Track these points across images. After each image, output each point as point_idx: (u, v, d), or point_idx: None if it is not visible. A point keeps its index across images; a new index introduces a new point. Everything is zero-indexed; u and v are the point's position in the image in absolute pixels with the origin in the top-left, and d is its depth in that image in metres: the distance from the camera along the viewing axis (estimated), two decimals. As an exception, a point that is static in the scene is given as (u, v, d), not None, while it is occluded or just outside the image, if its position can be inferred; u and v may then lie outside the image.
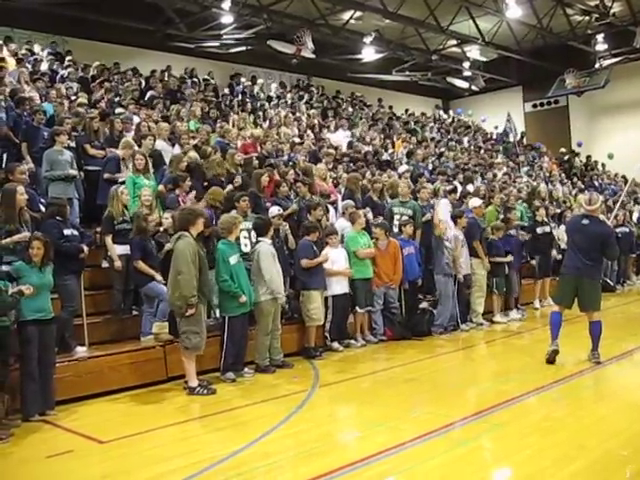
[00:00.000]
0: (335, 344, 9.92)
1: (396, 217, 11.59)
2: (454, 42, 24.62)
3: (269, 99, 20.87)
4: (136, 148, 10.65)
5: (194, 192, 9.97)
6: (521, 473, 5.02)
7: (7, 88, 12.63)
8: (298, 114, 19.27)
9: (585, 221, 8.55)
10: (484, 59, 25.90)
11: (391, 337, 10.59)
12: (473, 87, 27.67)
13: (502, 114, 25.93)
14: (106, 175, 10.33)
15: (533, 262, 13.59)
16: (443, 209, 11.48)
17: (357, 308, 10.29)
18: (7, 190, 7.74)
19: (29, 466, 5.63)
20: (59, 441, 6.22)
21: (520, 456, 5.26)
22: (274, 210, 9.85)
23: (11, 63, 14.65)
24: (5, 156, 11.00)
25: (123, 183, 9.87)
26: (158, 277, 8.52)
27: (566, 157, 25.40)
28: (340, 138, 17.97)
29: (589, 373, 8.08)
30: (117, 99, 15.32)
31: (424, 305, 11.22)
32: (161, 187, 10.12)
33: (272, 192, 11.04)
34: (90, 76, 16.97)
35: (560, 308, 8.73)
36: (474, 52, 25.20)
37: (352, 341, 10.21)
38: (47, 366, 6.94)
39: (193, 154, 11.51)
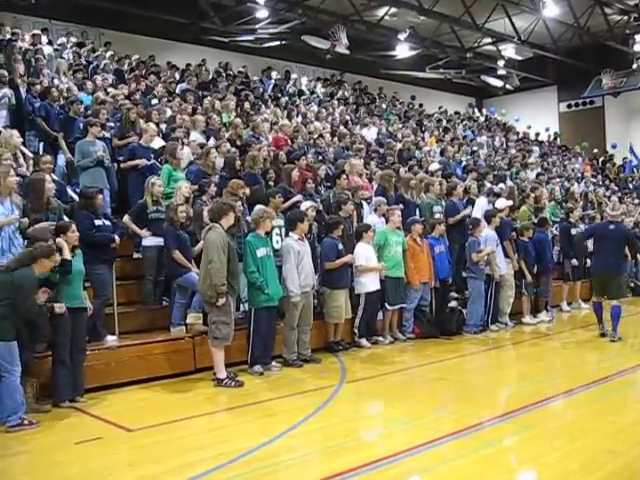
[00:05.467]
0: (363, 340, 9.92)
1: (436, 215, 11.56)
2: (489, 40, 24.44)
3: (301, 93, 20.87)
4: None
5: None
6: (548, 476, 4.97)
7: (45, 79, 12.84)
8: (330, 109, 19.24)
9: (612, 226, 10.24)
10: (519, 58, 25.63)
11: (419, 335, 10.56)
12: (507, 86, 27.46)
13: (536, 114, 25.69)
14: (122, 164, 10.45)
15: (574, 262, 13.40)
16: (479, 209, 11.48)
17: (387, 306, 10.27)
18: (35, 179, 7.84)
19: (58, 451, 5.70)
20: (88, 428, 6.30)
21: (547, 459, 5.20)
22: (307, 204, 9.85)
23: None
24: (42, 146, 11.18)
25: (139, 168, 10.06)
26: (195, 268, 8.55)
27: (600, 159, 25.10)
28: (372, 134, 17.93)
29: (619, 377, 7.98)
30: (152, 91, 15.44)
31: (453, 304, 11.17)
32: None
33: (301, 187, 11.03)
34: (129, 68, 17.14)
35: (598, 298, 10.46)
36: (509, 50, 24.95)
37: (380, 338, 10.20)
38: (78, 354, 7.04)
39: (228, 147, 11.56)
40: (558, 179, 19.19)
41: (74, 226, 7.16)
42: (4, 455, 5.69)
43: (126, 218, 9.09)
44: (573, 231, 13.44)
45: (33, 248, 6.55)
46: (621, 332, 9.95)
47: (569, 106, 29.65)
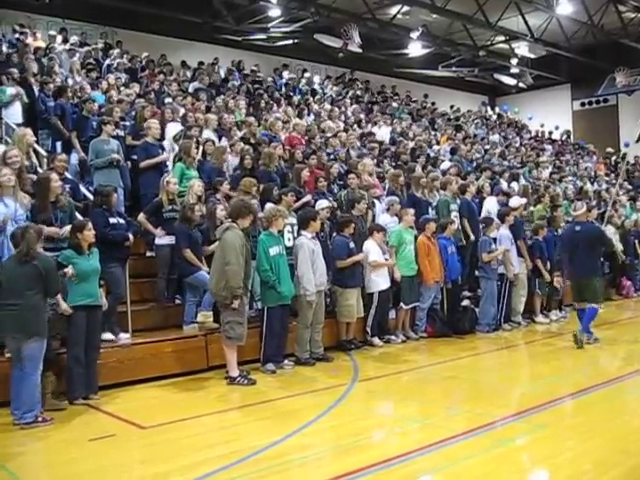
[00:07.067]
0: (375, 339, 9.92)
1: (453, 214, 11.53)
2: (502, 38, 24.30)
3: (313, 92, 20.88)
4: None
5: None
6: (560, 476, 4.94)
7: (57, 78, 12.91)
8: (343, 108, 19.24)
9: (577, 228, 9.92)
10: (532, 56, 25.50)
11: (432, 334, 10.55)
12: (520, 84, 27.29)
13: (549, 112, 25.54)
14: (142, 164, 10.43)
15: None
16: (490, 208, 11.43)
17: (402, 305, 10.26)
18: (41, 178, 7.87)
19: (72, 448, 5.73)
20: (102, 425, 6.33)
21: (560, 458, 5.19)
22: (323, 203, 9.84)
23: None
24: (59, 145, 11.25)
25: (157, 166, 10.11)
26: (205, 267, 8.59)
27: (613, 157, 24.93)
28: (385, 133, 17.92)
29: (632, 377, 7.94)
30: (165, 89, 15.50)
31: (466, 303, 11.15)
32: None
33: (314, 186, 11.02)
34: (140, 67, 17.20)
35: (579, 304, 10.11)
36: (522, 48, 24.82)
37: (392, 337, 10.20)
38: (92, 351, 7.09)
39: (242, 146, 11.59)
40: (571, 178, 19.11)
41: (90, 224, 7.19)
42: (20, 452, 5.74)
43: (141, 216, 9.12)
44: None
45: (26, 232, 6.47)
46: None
47: (583, 104, 29.48)
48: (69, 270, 6.88)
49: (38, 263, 6.29)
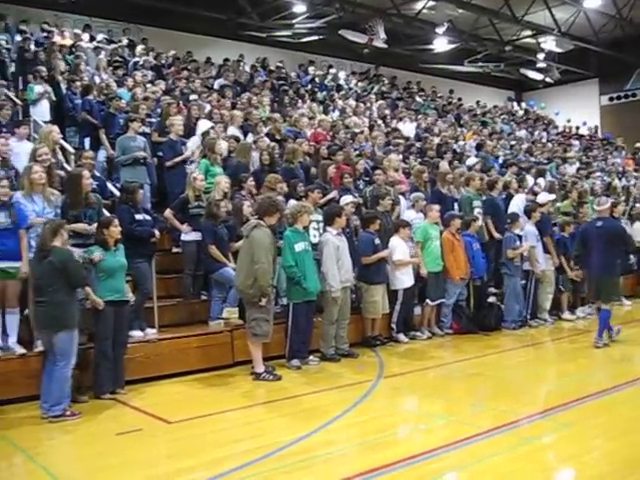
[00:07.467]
0: (401, 336, 9.91)
1: (476, 210, 11.47)
2: (529, 33, 24.08)
3: (339, 88, 20.86)
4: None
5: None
6: (587, 475, 4.90)
7: (84, 75, 13.04)
8: (368, 104, 19.20)
9: (599, 223, 9.46)
10: (559, 50, 25.21)
11: (457, 330, 10.51)
12: (547, 79, 27.03)
13: (577, 107, 25.26)
14: (168, 163, 10.49)
15: None
16: (518, 205, 11.36)
17: (428, 301, 10.24)
18: (72, 175, 7.95)
19: (99, 442, 5.81)
20: (128, 419, 6.40)
21: (587, 457, 5.15)
22: (347, 198, 9.84)
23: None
24: (87, 141, 11.37)
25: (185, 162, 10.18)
26: (230, 264, 8.63)
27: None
28: (410, 129, 17.86)
29: (662, 375, 7.85)
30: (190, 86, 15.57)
31: (492, 299, 11.09)
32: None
33: (340, 183, 11.01)
34: (167, 64, 17.31)
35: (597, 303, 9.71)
36: (549, 43, 24.50)
37: (418, 333, 10.17)
38: (119, 346, 7.17)
39: (267, 142, 11.62)
40: (599, 173, 18.90)
41: (116, 220, 7.26)
42: (49, 445, 5.84)
43: (168, 212, 9.18)
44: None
45: (44, 227, 6.61)
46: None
47: (611, 99, 29.08)
48: (96, 255, 6.93)
49: (53, 258, 6.36)
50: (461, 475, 4.99)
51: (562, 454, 5.38)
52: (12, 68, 13.88)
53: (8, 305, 7.06)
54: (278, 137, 12.48)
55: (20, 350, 7.02)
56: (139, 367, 7.64)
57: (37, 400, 6.48)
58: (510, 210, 11.86)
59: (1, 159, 8.08)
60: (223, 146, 10.96)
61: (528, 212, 11.31)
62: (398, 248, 9.79)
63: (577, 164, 19.00)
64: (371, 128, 16.02)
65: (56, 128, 9.10)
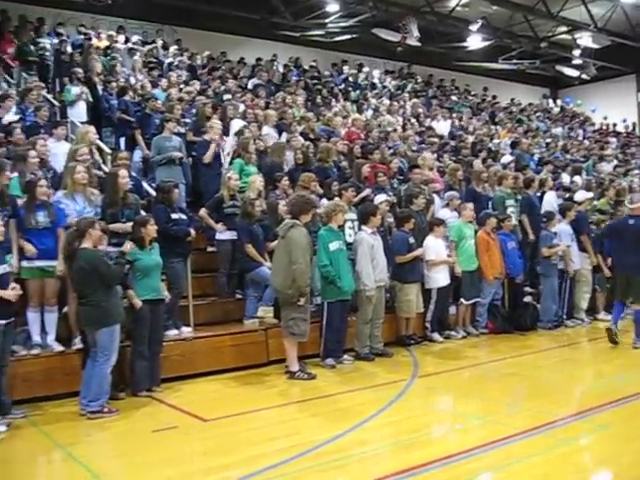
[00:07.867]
0: (435, 335, 9.86)
1: (509, 209, 11.35)
2: (564, 29, 23.77)
3: (373, 87, 20.82)
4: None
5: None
6: (625, 477, 4.85)
7: (120, 76, 13.22)
8: (402, 102, 19.14)
9: (631, 221, 9.30)
10: (596, 46, 24.87)
11: (493, 330, 10.42)
12: (583, 76, 26.66)
13: (613, 104, 24.89)
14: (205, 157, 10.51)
15: None
16: (550, 202, 11.20)
17: (462, 300, 10.19)
18: (109, 174, 8.05)
19: (136, 439, 5.89)
20: (164, 417, 6.47)
21: (625, 459, 5.08)
22: (381, 197, 9.82)
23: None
24: (122, 141, 11.51)
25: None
26: (267, 263, 8.65)
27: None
28: (444, 127, 17.77)
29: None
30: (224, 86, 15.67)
31: (528, 299, 10.98)
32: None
33: (374, 182, 10.98)
34: (202, 65, 17.45)
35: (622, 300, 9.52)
36: (585, 39, 24.18)
37: (452, 332, 10.12)
38: (155, 344, 7.23)
39: (301, 141, 11.65)
40: (637, 171, 18.60)
41: (152, 220, 7.33)
42: (87, 441, 5.92)
43: (203, 211, 9.25)
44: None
45: (75, 226, 6.72)
46: None
47: (649, 95, 28.68)
48: (127, 245, 6.98)
49: (80, 261, 6.45)
50: (497, 476, 4.95)
51: (599, 456, 5.32)
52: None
53: (47, 303, 7.17)
54: (312, 136, 12.51)
55: (58, 347, 7.14)
56: (175, 365, 7.70)
57: (76, 397, 6.58)
58: (543, 208, 11.72)
59: (40, 160, 8.19)
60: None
61: (563, 211, 11.15)
62: (433, 247, 9.75)
63: (614, 162, 18.73)
64: (404, 127, 15.96)
65: (93, 129, 9.22)
